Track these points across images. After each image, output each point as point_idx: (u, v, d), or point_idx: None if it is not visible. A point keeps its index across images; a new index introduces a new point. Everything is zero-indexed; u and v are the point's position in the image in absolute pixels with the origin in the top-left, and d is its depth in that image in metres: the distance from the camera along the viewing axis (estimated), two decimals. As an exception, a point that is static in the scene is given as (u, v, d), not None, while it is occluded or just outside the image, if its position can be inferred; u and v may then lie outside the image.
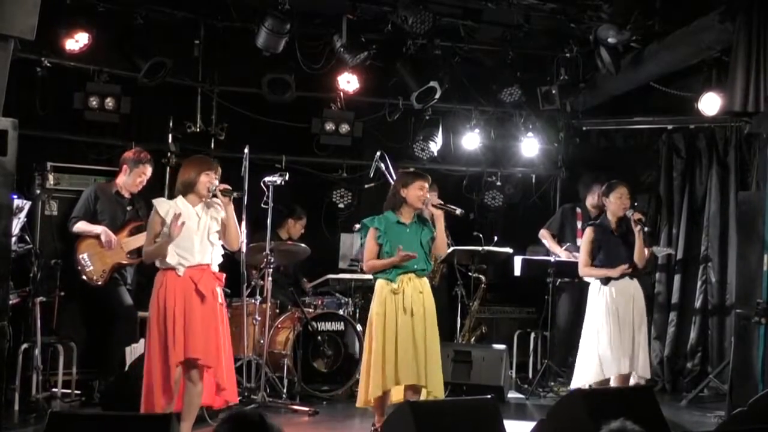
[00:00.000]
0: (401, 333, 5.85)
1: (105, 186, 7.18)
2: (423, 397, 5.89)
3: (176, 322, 5.38)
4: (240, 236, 5.73)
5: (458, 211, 6.19)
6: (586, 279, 7.11)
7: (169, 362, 5.38)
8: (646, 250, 6.86)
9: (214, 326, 5.48)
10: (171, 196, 5.78)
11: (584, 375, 6.75)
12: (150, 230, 5.59)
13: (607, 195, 6.87)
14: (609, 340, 6.63)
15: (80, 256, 6.90)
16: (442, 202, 6.10)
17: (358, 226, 8.13)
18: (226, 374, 5.55)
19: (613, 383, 6.63)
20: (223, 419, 2.91)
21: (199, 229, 5.53)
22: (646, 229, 6.80)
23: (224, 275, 5.73)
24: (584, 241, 6.92)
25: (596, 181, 8.54)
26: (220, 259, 5.69)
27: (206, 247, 5.54)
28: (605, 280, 6.75)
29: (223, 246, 5.74)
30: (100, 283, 6.91)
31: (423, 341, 5.88)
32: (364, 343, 6.10)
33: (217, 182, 5.58)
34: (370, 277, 7.46)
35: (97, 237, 6.93)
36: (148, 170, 7.09)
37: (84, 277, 6.90)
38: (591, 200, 8.60)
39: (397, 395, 6.03)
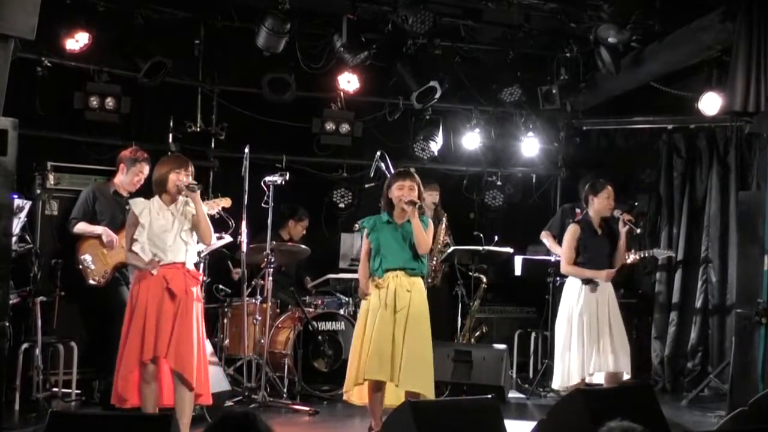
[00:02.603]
0: (380, 327, 5.82)
1: (103, 186, 7.17)
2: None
3: (147, 321, 5.42)
4: (212, 232, 5.73)
5: (417, 203, 6.08)
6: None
7: (134, 360, 5.42)
8: (626, 253, 6.86)
9: (187, 325, 5.49)
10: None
11: (560, 377, 6.73)
12: (127, 230, 5.66)
13: (595, 194, 6.83)
14: (585, 341, 6.60)
15: (82, 257, 6.90)
16: (412, 198, 5.94)
17: (358, 226, 8.17)
18: (198, 374, 5.53)
19: (605, 382, 6.62)
20: (214, 420, 2.93)
21: (173, 228, 5.56)
22: (638, 231, 6.79)
23: (201, 274, 5.77)
24: (568, 237, 6.86)
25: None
26: (196, 258, 5.75)
27: (179, 246, 5.57)
28: (587, 281, 6.72)
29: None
30: (102, 283, 6.91)
31: (402, 339, 5.82)
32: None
33: (185, 179, 5.59)
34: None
35: (98, 237, 6.92)
36: (146, 169, 7.08)
37: (86, 278, 6.89)
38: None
39: (393, 399, 5.99)
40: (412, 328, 5.87)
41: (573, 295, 6.76)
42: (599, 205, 6.80)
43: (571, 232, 6.86)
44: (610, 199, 6.80)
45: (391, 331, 5.82)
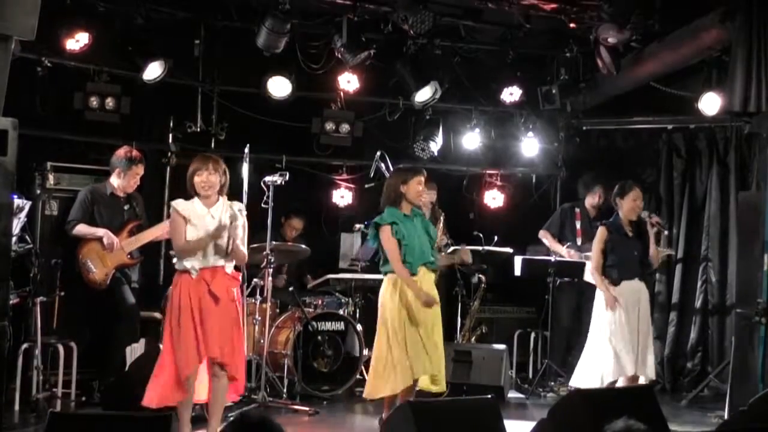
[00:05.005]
0: (425, 325, 5.91)
1: (99, 187, 7.14)
2: (423, 386, 5.95)
3: (195, 323, 5.44)
4: (245, 254, 5.68)
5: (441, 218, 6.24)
6: (586, 278, 7.11)
7: (178, 363, 5.44)
8: (657, 252, 6.86)
9: (229, 325, 5.53)
10: (171, 196, 5.79)
11: (589, 377, 6.72)
12: (176, 233, 5.57)
13: (621, 197, 6.82)
14: (616, 343, 6.61)
15: (83, 261, 6.88)
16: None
17: (358, 226, 8.16)
18: (240, 371, 5.62)
19: (621, 384, 6.62)
20: (230, 422, 2.94)
21: (213, 230, 5.50)
22: (666, 232, 6.76)
23: (240, 274, 5.75)
24: (597, 240, 6.87)
25: (597, 181, 8.54)
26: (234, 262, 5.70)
27: (220, 249, 5.53)
28: (616, 281, 6.72)
29: None
30: (104, 285, 6.89)
31: (432, 334, 5.97)
32: (380, 337, 5.99)
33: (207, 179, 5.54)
34: (370, 276, 7.48)
35: (99, 240, 6.90)
36: (141, 169, 7.06)
37: (88, 282, 6.88)
38: (591, 200, 8.61)
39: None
40: (438, 323, 6.05)
41: (601, 298, 6.77)
42: (626, 207, 6.78)
43: (599, 235, 6.86)
44: (637, 201, 6.77)
45: (429, 326, 5.94)
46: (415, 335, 5.87)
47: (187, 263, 5.50)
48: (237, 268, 5.75)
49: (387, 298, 5.98)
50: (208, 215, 5.55)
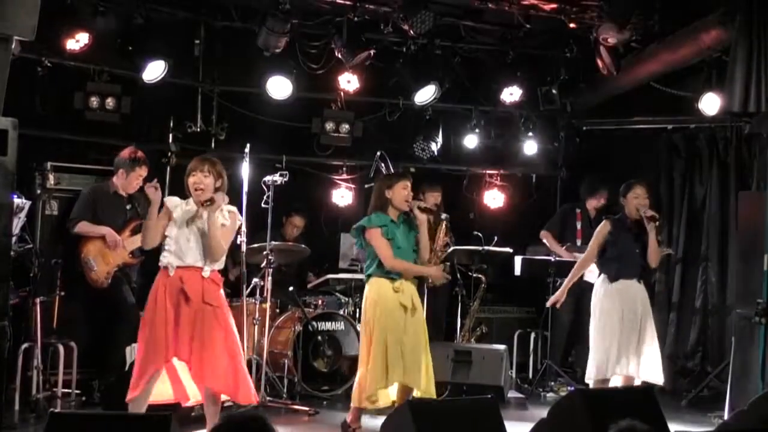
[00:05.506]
0: (408, 331, 5.87)
1: (102, 186, 7.15)
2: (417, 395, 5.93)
3: (167, 320, 5.39)
4: (223, 249, 5.56)
5: (443, 215, 6.21)
6: (586, 278, 7.10)
7: (145, 357, 5.42)
8: (659, 248, 6.83)
9: (200, 328, 5.42)
10: (171, 196, 5.78)
11: (589, 371, 6.74)
12: (157, 222, 5.57)
13: (625, 195, 6.83)
14: (609, 341, 6.61)
15: (85, 260, 6.88)
16: (427, 205, 6.17)
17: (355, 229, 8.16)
18: (234, 377, 5.52)
19: (618, 384, 6.61)
20: (221, 420, 2.93)
21: (197, 232, 5.49)
22: (656, 222, 6.73)
23: (222, 279, 5.68)
24: (596, 233, 6.85)
25: (603, 184, 8.54)
26: (221, 265, 5.64)
27: (199, 250, 5.49)
28: (614, 278, 6.71)
29: None
30: (105, 285, 6.90)
31: (417, 341, 5.91)
32: (364, 344, 6.00)
33: (201, 182, 5.50)
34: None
35: (102, 238, 6.90)
36: (144, 171, 7.06)
37: (89, 281, 6.88)
38: (594, 203, 8.61)
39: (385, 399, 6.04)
40: (423, 329, 6.00)
41: (599, 295, 6.76)
42: (630, 204, 6.79)
43: (600, 228, 6.84)
44: (639, 199, 6.73)
45: (406, 332, 5.88)
46: (394, 342, 5.82)
47: (166, 260, 5.47)
48: (222, 272, 5.68)
49: (369, 305, 5.97)
50: (197, 215, 5.52)
